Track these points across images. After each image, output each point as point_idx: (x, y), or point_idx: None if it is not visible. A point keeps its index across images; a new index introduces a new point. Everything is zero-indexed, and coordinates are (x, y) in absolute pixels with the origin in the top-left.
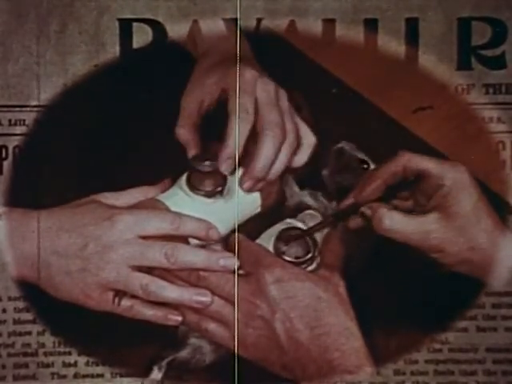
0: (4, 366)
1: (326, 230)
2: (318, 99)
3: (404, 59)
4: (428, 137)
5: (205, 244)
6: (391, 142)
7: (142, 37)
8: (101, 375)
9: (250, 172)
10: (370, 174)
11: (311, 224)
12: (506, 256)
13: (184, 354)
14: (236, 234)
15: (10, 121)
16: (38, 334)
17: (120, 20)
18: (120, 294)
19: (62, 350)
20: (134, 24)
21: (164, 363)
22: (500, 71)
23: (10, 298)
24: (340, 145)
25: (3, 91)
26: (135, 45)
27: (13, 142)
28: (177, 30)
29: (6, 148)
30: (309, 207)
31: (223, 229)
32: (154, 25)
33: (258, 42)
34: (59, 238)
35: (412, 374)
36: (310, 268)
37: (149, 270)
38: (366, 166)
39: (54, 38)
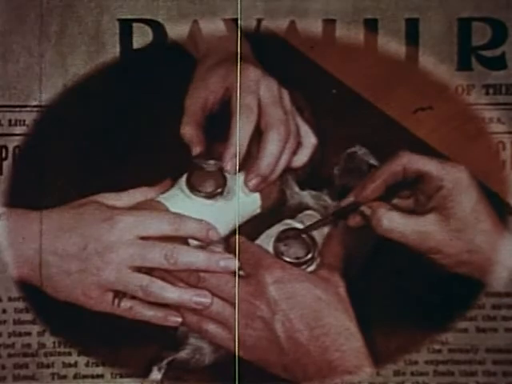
0: (4, 367)
1: (326, 231)
2: (318, 100)
3: (404, 60)
4: (428, 137)
5: (205, 245)
6: (391, 143)
7: (142, 37)
8: (101, 376)
9: (256, 170)
10: (370, 173)
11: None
12: (506, 256)
13: (184, 354)
14: (237, 235)
15: (10, 121)
16: (38, 334)
17: (120, 20)
18: (120, 294)
19: (61, 350)
20: (134, 24)
21: (164, 364)
22: (500, 72)
23: (10, 299)
24: (353, 149)
25: (3, 91)
26: (135, 45)
27: (13, 142)
28: (177, 31)
29: (6, 148)
30: (308, 208)
31: (223, 230)
32: (154, 25)
33: (258, 43)
34: (59, 238)
35: (412, 374)
36: (309, 269)
37: (149, 271)
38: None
39: (54, 38)
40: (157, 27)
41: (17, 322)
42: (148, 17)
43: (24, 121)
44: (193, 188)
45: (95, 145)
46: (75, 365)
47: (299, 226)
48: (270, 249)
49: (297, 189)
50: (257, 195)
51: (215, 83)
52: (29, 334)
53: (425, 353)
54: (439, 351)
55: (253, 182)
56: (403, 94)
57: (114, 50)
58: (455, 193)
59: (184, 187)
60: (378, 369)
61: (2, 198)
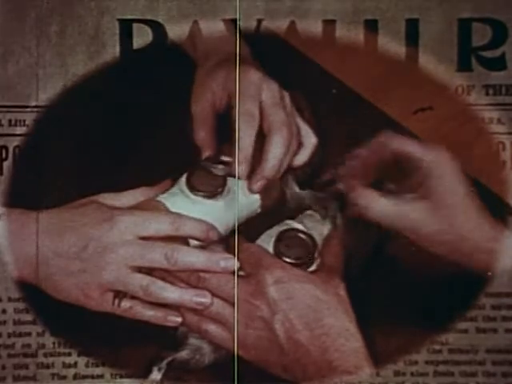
0: (4, 367)
1: (326, 232)
2: (318, 100)
3: (404, 60)
4: (428, 137)
5: (205, 245)
6: None
7: (142, 37)
8: (101, 376)
9: (261, 173)
10: (351, 152)
11: (310, 225)
12: (506, 256)
13: (183, 354)
14: (236, 235)
15: (10, 121)
16: (38, 334)
17: (120, 20)
18: (120, 294)
19: (61, 350)
20: (134, 24)
21: (164, 364)
22: (500, 72)
23: (9, 299)
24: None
25: (3, 92)
26: (135, 45)
27: (13, 143)
28: (177, 31)
29: (7, 148)
30: (309, 208)
31: (223, 230)
32: (154, 25)
33: (258, 43)
34: (59, 238)
35: (412, 374)
36: (310, 269)
37: (149, 271)
38: None
39: (54, 38)
40: (157, 27)
41: (17, 323)
42: (148, 17)
43: (24, 121)
44: (193, 188)
45: (95, 145)
46: (75, 365)
47: (300, 226)
48: (270, 249)
49: (297, 189)
50: (257, 195)
51: (218, 87)
52: (29, 334)
53: (425, 353)
54: (439, 352)
55: (258, 185)
56: (403, 94)
57: (113, 50)
58: (435, 172)
59: (184, 187)
60: (377, 369)
61: (1, 198)
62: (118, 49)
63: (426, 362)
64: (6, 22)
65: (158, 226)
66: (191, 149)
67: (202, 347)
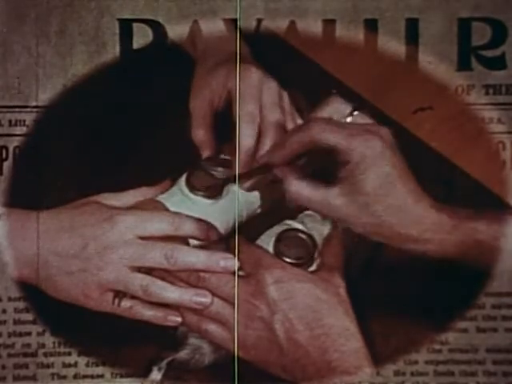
0: (4, 367)
1: (326, 232)
2: (318, 99)
3: (404, 60)
4: (428, 137)
5: (205, 245)
6: None
7: (142, 37)
8: (101, 376)
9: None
10: (281, 139)
11: (310, 225)
12: (507, 256)
13: (183, 354)
14: (236, 235)
15: (10, 121)
16: (38, 334)
17: (120, 20)
18: (120, 294)
19: (61, 350)
20: (134, 24)
21: (163, 364)
22: (500, 72)
23: (10, 299)
24: None
25: (3, 92)
26: (135, 45)
27: (13, 143)
28: (177, 31)
29: (7, 148)
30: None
31: (223, 229)
32: (154, 25)
33: (258, 43)
34: (59, 238)
35: (412, 374)
36: (310, 269)
37: (149, 271)
38: None
39: (54, 38)
40: (157, 27)
41: (17, 322)
42: (148, 17)
43: (24, 121)
44: (192, 188)
45: (95, 145)
46: (75, 365)
47: (299, 226)
48: (271, 249)
49: None
50: (257, 195)
51: (218, 85)
52: (29, 334)
53: (425, 353)
54: (439, 351)
55: (246, 185)
56: (403, 93)
57: (113, 50)
58: (362, 167)
59: (183, 187)
60: (377, 369)
61: (1, 198)
62: (118, 49)
63: (426, 362)
64: (6, 22)
65: (158, 225)
66: (191, 149)
67: (201, 347)
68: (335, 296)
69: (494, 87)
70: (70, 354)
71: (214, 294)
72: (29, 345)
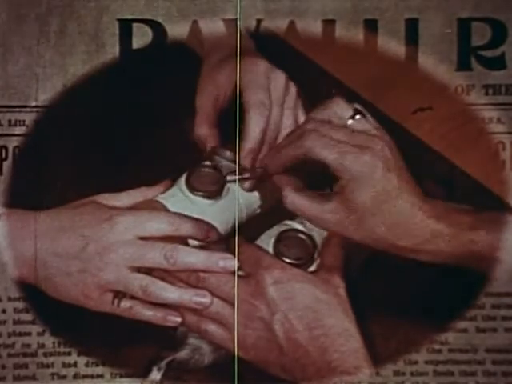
0: (4, 367)
1: (326, 232)
2: (318, 99)
3: (404, 60)
4: (428, 137)
5: (204, 245)
6: None
7: (141, 37)
8: (100, 376)
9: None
10: (278, 146)
11: (310, 225)
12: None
13: (183, 354)
14: (236, 236)
15: (9, 121)
16: (38, 334)
17: (120, 20)
18: (119, 294)
19: (61, 350)
20: (134, 24)
21: (163, 364)
22: (500, 72)
23: (9, 299)
24: None
25: (3, 92)
26: (135, 45)
27: (13, 143)
28: (176, 31)
29: (6, 148)
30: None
31: (222, 230)
32: (154, 25)
33: (257, 43)
34: (59, 238)
35: (412, 374)
36: (309, 269)
37: (148, 271)
38: None
39: (54, 38)
40: (157, 27)
41: (17, 322)
42: (148, 17)
43: (24, 121)
44: (192, 188)
45: (95, 145)
46: (75, 365)
47: (299, 226)
48: (270, 249)
49: None
50: (257, 196)
51: (224, 79)
52: (29, 334)
53: (424, 353)
54: (439, 351)
55: (247, 159)
56: (403, 94)
57: (113, 50)
58: (353, 185)
59: (183, 187)
60: (377, 369)
61: (1, 198)
62: (117, 49)
63: (426, 362)
64: (6, 22)
65: (158, 226)
66: (191, 149)
67: (201, 347)
68: (335, 296)
69: (494, 87)
70: (69, 354)
71: (213, 294)
72: (29, 345)
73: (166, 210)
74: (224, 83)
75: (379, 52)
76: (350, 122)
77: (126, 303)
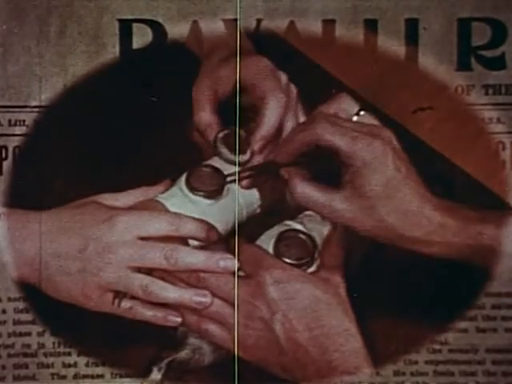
0: (4, 367)
1: (326, 232)
2: (318, 100)
3: (404, 60)
4: (428, 137)
5: (204, 245)
6: None
7: (141, 37)
8: (101, 376)
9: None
10: (287, 136)
11: (310, 225)
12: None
13: (183, 354)
14: (236, 236)
15: (10, 121)
16: (38, 334)
17: (120, 20)
18: (120, 294)
19: (61, 350)
20: (134, 24)
21: (163, 364)
22: (500, 72)
23: (9, 299)
24: None
25: (3, 91)
26: (135, 45)
27: (13, 143)
28: (177, 31)
29: (6, 148)
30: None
31: (223, 230)
32: (154, 25)
33: (257, 43)
34: (59, 238)
35: (412, 374)
36: (310, 269)
37: (149, 271)
38: None
39: (54, 38)
40: (157, 27)
41: (16, 323)
42: (148, 17)
43: (24, 121)
44: (192, 188)
45: (95, 145)
46: (75, 365)
47: (299, 226)
48: (270, 249)
49: None
50: (257, 195)
51: (223, 77)
52: (29, 334)
53: (424, 353)
54: (439, 351)
55: (258, 145)
56: (403, 94)
57: (113, 50)
58: (365, 171)
59: (183, 187)
60: (377, 369)
61: (1, 197)
62: (117, 49)
63: (426, 362)
64: (6, 22)
65: (158, 226)
66: (191, 149)
67: (201, 347)
68: (335, 296)
69: (494, 87)
70: (69, 354)
71: (213, 294)
72: (29, 345)
73: (166, 209)
74: (224, 80)
75: (379, 52)
76: (355, 118)
77: (126, 303)
